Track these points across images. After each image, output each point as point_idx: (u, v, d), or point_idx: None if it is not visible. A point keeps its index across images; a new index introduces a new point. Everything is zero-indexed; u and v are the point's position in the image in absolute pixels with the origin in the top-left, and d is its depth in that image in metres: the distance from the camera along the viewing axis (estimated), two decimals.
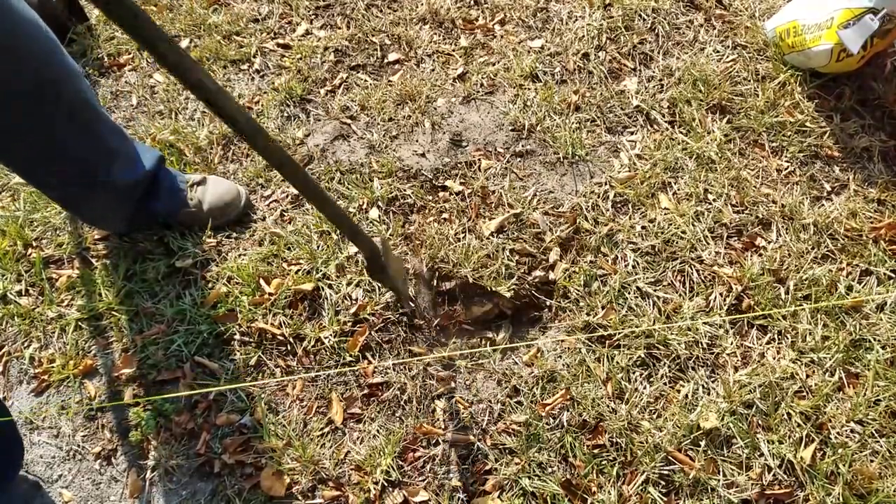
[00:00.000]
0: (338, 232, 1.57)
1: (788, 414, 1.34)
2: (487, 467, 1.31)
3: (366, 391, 1.40)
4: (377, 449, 1.32)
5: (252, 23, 1.99)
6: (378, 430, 1.35)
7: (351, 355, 1.42)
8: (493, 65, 1.89)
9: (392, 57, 1.92)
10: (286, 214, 1.62)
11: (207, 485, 1.31)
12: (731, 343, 1.43)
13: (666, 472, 1.29)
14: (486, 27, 1.99)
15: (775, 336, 1.45)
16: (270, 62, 1.91)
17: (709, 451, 1.30)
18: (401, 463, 1.32)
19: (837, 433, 1.33)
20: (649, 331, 1.43)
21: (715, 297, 1.49)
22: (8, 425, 1.21)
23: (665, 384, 1.39)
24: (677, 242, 1.56)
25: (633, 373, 1.40)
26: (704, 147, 1.71)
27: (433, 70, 1.89)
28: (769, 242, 1.58)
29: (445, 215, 1.62)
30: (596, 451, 1.32)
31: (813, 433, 1.33)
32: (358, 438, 1.35)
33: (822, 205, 1.64)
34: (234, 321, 1.45)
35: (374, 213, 1.62)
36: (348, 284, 1.50)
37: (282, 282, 1.50)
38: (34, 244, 1.59)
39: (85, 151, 1.30)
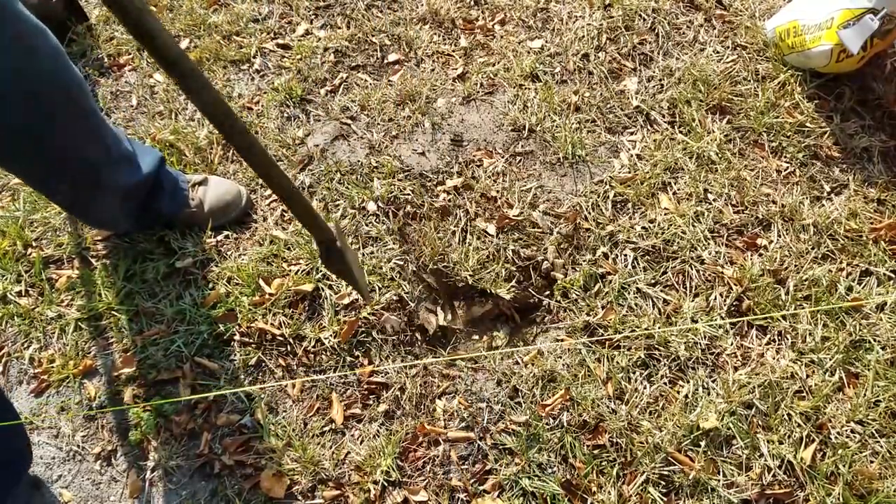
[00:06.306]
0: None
1: (788, 414, 1.34)
2: (487, 467, 1.31)
3: (366, 391, 1.40)
4: (377, 449, 1.32)
5: (252, 23, 1.99)
6: (378, 430, 1.35)
7: (351, 355, 1.42)
8: (493, 65, 1.89)
9: (392, 57, 1.92)
10: (286, 214, 1.62)
11: (207, 485, 1.31)
12: (731, 343, 1.43)
13: (666, 473, 1.29)
14: (486, 27, 1.99)
15: (775, 336, 1.45)
16: (270, 62, 1.91)
17: (709, 452, 1.30)
18: (401, 463, 1.32)
19: (837, 433, 1.33)
20: (649, 332, 1.43)
21: (715, 298, 1.49)
22: (17, 429, 1.21)
23: (665, 384, 1.39)
24: (677, 242, 1.56)
25: (633, 373, 1.40)
26: (704, 147, 1.71)
27: (433, 70, 1.89)
28: (769, 243, 1.58)
29: (446, 215, 1.62)
30: (596, 451, 1.32)
31: (813, 433, 1.33)
32: (358, 438, 1.35)
33: (822, 205, 1.64)
34: (234, 321, 1.45)
35: (371, 206, 1.61)
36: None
37: (282, 282, 1.49)
38: (34, 244, 1.58)
39: (91, 156, 1.30)
